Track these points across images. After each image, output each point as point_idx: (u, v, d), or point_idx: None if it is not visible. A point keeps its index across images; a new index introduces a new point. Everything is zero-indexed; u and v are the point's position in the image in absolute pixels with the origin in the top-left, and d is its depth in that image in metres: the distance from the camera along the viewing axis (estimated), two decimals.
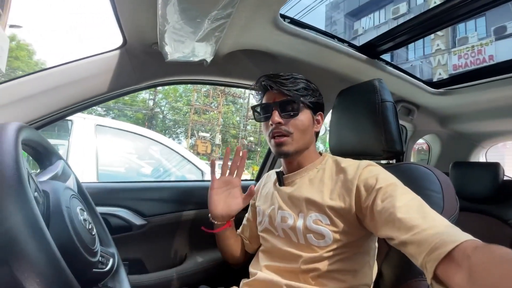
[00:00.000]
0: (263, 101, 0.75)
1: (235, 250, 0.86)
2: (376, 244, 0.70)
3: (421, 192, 0.60)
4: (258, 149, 22.73)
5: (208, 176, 2.48)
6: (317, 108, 0.75)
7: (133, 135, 2.38)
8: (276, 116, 0.68)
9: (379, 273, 0.70)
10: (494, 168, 1.42)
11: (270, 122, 0.69)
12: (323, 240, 0.62)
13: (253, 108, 0.77)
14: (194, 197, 1.09)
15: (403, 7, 13.69)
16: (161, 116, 22.94)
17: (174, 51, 0.75)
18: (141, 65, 0.85)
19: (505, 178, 1.44)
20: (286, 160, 0.75)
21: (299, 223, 0.66)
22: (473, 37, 11.53)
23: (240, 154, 0.86)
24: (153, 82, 0.90)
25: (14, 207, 0.30)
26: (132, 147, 2.67)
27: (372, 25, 15.36)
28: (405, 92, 1.29)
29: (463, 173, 1.48)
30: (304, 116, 0.71)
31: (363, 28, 15.76)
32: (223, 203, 0.81)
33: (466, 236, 0.42)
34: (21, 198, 0.31)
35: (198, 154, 18.51)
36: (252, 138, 23.97)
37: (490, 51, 10.88)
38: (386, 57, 1.13)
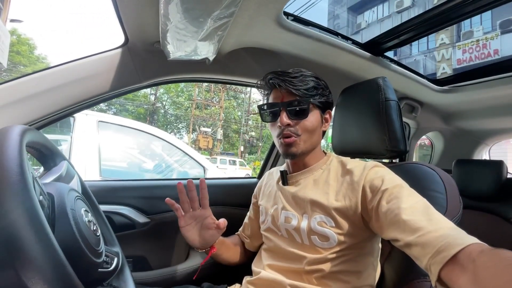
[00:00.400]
0: (270, 100, 0.72)
1: (233, 260, 0.86)
2: (380, 245, 0.70)
3: (425, 192, 0.60)
4: (260, 144, 22.74)
5: (210, 173, 2.50)
6: (326, 107, 0.73)
7: (135, 131, 2.39)
8: (285, 118, 0.66)
9: (381, 274, 0.70)
10: (497, 166, 1.41)
11: (279, 124, 0.67)
12: (327, 242, 0.62)
13: (260, 107, 0.74)
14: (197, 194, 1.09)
15: (407, 0, 13.46)
16: (162, 111, 22.95)
17: (176, 50, 0.75)
18: (143, 64, 0.85)
19: (509, 176, 1.43)
20: (291, 160, 0.75)
21: (303, 224, 0.65)
22: (478, 31, 11.35)
23: (188, 186, 0.74)
24: (155, 81, 0.89)
25: (20, 213, 0.30)
26: (134, 143, 2.68)
27: (376, 19, 15.14)
28: (409, 89, 1.28)
29: (466, 170, 1.48)
30: (313, 116, 0.69)
31: (366, 22, 15.54)
32: (198, 237, 0.74)
33: (472, 239, 0.42)
34: (26, 204, 0.31)
35: (199, 149, 18.56)
36: (253, 133, 23.96)
37: (495, 45, 10.72)
38: (389, 52, 1.11)
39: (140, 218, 0.95)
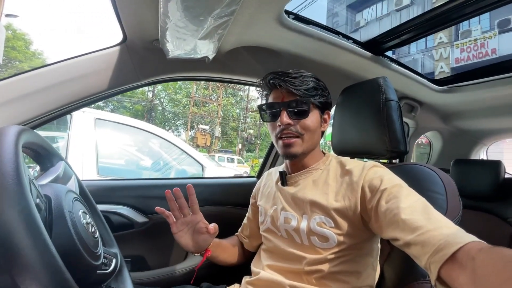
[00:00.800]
0: (270, 100, 0.72)
1: (231, 261, 0.86)
2: (379, 245, 0.70)
3: (425, 193, 0.60)
4: (258, 142, 22.74)
5: (208, 171, 2.49)
6: (325, 107, 0.73)
7: (133, 129, 2.37)
8: (285, 117, 0.66)
9: (381, 274, 0.71)
10: (495, 166, 1.41)
11: (279, 123, 0.67)
12: (327, 242, 0.62)
13: (260, 107, 0.74)
14: (196, 194, 1.08)
15: None
16: (160, 108, 22.85)
17: (175, 48, 0.74)
18: (141, 62, 0.84)
19: (506, 176, 1.44)
20: (291, 161, 0.74)
21: (303, 225, 0.65)
22: (476, 30, 11.37)
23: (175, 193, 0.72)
24: (154, 79, 0.88)
25: (16, 218, 0.30)
26: (132, 140, 2.67)
27: (375, 17, 15.11)
28: (409, 89, 1.28)
29: (464, 170, 1.48)
30: (314, 116, 0.69)
31: (365, 20, 15.51)
32: (192, 241, 0.74)
33: (471, 238, 0.42)
34: (23, 209, 0.31)
35: (197, 146, 18.53)
36: (251, 131, 23.94)
37: (493, 45, 10.75)
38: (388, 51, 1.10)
39: (139, 218, 0.94)
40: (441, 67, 12.24)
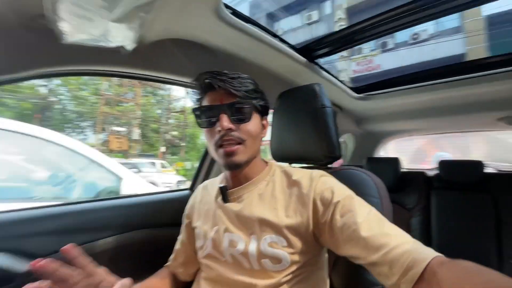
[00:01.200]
0: (206, 103, 0.63)
1: None
2: (326, 255, 0.69)
3: (363, 197, 0.61)
4: (182, 144, 21.67)
5: (127, 184, 2.14)
6: (265, 112, 0.69)
7: (17, 135, 1.82)
8: (225, 121, 0.58)
9: (330, 285, 0.70)
10: (395, 162, 1.71)
11: (218, 128, 0.59)
12: (279, 264, 0.56)
13: (194, 111, 0.64)
14: (115, 218, 0.86)
15: (314, 15, 15.26)
16: (59, 106, 18.91)
17: (75, 30, 0.53)
18: (18, 46, 0.58)
19: (402, 170, 1.76)
20: (232, 172, 0.65)
21: (252, 247, 0.58)
22: (366, 48, 13.96)
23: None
24: (43, 71, 0.64)
25: None
26: (17, 149, 2.07)
27: (290, 28, 16.58)
28: (333, 95, 1.38)
29: (374, 167, 1.73)
30: (255, 121, 0.64)
31: (282, 29, 16.82)
32: None
33: (432, 253, 0.44)
34: None
35: (111, 151, 16.22)
36: (175, 133, 22.63)
37: (378, 61, 13.42)
38: None
39: (21, 266, 0.67)
40: (343, 77, 14.50)
